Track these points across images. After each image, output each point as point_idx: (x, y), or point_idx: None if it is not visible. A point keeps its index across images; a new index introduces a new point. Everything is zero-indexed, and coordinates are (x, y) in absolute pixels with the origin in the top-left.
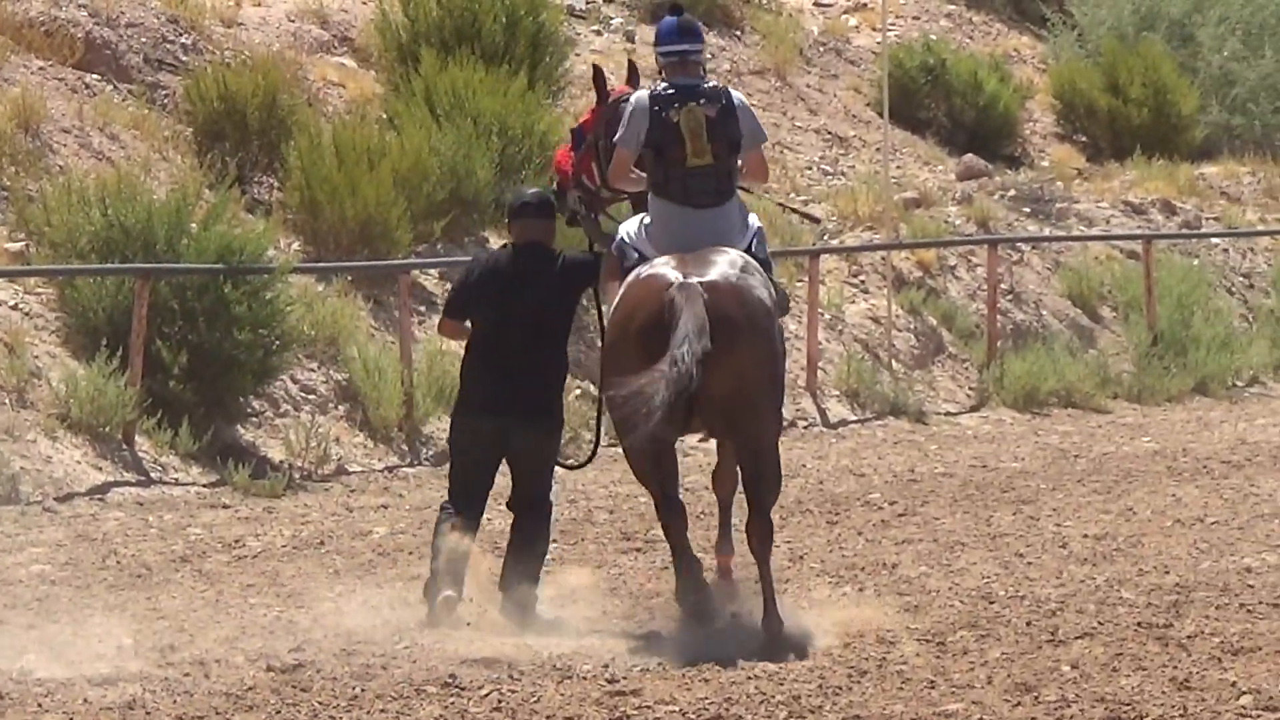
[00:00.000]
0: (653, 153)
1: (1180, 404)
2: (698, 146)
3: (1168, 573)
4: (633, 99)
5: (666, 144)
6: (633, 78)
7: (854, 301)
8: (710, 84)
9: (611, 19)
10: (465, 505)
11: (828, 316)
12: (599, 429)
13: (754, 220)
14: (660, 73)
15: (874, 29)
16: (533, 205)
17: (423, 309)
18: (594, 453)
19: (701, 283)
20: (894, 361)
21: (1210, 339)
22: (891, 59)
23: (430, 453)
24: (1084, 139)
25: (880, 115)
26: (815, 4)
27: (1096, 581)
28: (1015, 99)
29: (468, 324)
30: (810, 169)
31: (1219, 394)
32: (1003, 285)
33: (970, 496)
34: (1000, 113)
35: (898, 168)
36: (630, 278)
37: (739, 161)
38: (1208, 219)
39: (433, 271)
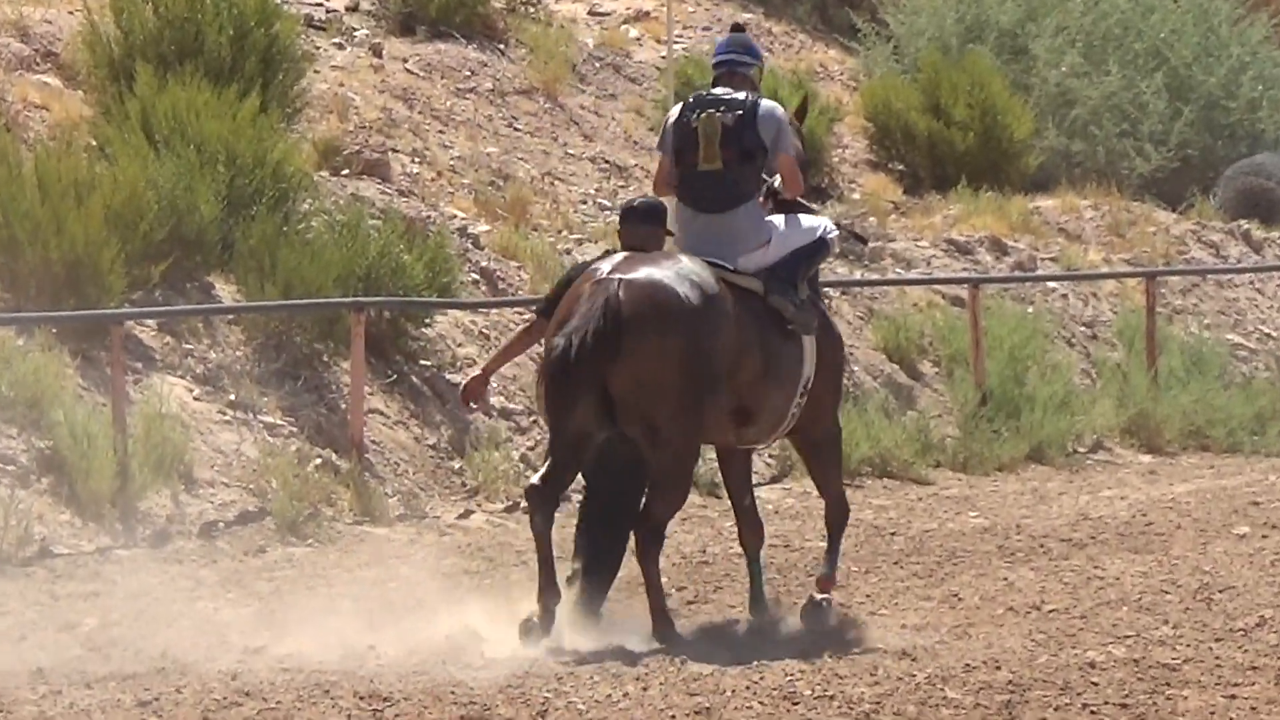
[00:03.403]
0: (674, 157)
1: (1013, 473)
2: (709, 152)
3: (999, 668)
4: (673, 108)
5: (685, 148)
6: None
7: None
8: (742, 95)
9: (355, 30)
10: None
11: None
12: None
13: (810, 229)
14: (712, 83)
15: (658, 41)
16: (638, 211)
17: (139, 365)
18: None
19: (620, 279)
20: None
21: (1047, 398)
22: (678, 76)
23: (148, 532)
24: (901, 167)
25: None
26: (590, 13)
27: (917, 679)
28: (821, 122)
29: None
30: (584, 203)
31: (1057, 461)
32: None
33: (770, 581)
34: (804, 138)
35: None
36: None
37: (760, 170)
38: (1044, 260)
39: (150, 322)
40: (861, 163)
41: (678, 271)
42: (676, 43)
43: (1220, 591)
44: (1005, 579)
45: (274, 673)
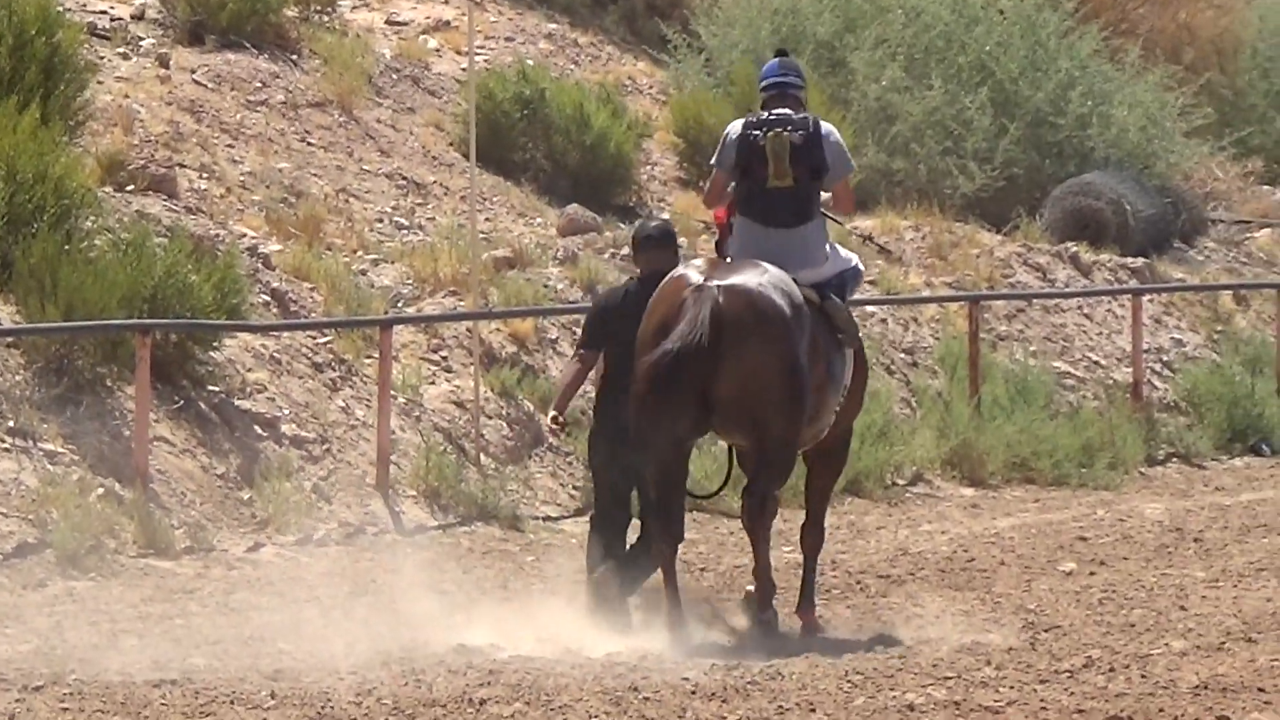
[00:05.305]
0: (739, 173)
1: (829, 506)
2: (780, 169)
3: (813, 710)
4: (730, 126)
5: (752, 165)
6: None
7: (434, 382)
8: (803, 115)
9: (141, 40)
10: (609, 523)
11: (402, 400)
12: (731, 458)
13: (848, 258)
14: (762, 106)
15: (459, 53)
16: (655, 237)
17: None
18: (725, 481)
19: (719, 285)
20: (482, 455)
21: (865, 428)
22: (479, 89)
23: None
24: None
25: (466, 157)
26: (387, 23)
27: None
28: (630, 137)
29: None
30: (381, 221)
31: (875, 494)
32: None
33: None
34: (611, 154)
35: (486, 220)
36: (665, 279)
37: (821, 189)
38: (862, 283)
39: None
40: (671, 180)
41: (769, 279)
42: (478, 54)
43: (1045, 631)
44: (820, 617)
45: (54, 713)
